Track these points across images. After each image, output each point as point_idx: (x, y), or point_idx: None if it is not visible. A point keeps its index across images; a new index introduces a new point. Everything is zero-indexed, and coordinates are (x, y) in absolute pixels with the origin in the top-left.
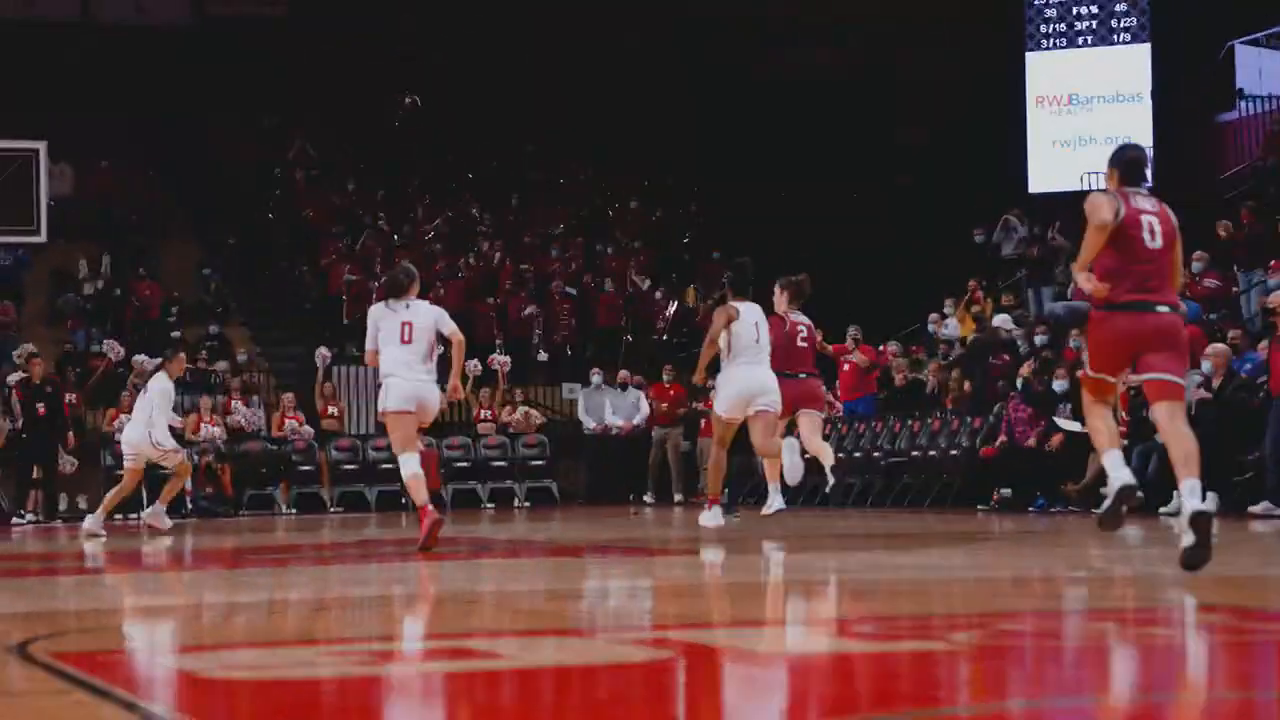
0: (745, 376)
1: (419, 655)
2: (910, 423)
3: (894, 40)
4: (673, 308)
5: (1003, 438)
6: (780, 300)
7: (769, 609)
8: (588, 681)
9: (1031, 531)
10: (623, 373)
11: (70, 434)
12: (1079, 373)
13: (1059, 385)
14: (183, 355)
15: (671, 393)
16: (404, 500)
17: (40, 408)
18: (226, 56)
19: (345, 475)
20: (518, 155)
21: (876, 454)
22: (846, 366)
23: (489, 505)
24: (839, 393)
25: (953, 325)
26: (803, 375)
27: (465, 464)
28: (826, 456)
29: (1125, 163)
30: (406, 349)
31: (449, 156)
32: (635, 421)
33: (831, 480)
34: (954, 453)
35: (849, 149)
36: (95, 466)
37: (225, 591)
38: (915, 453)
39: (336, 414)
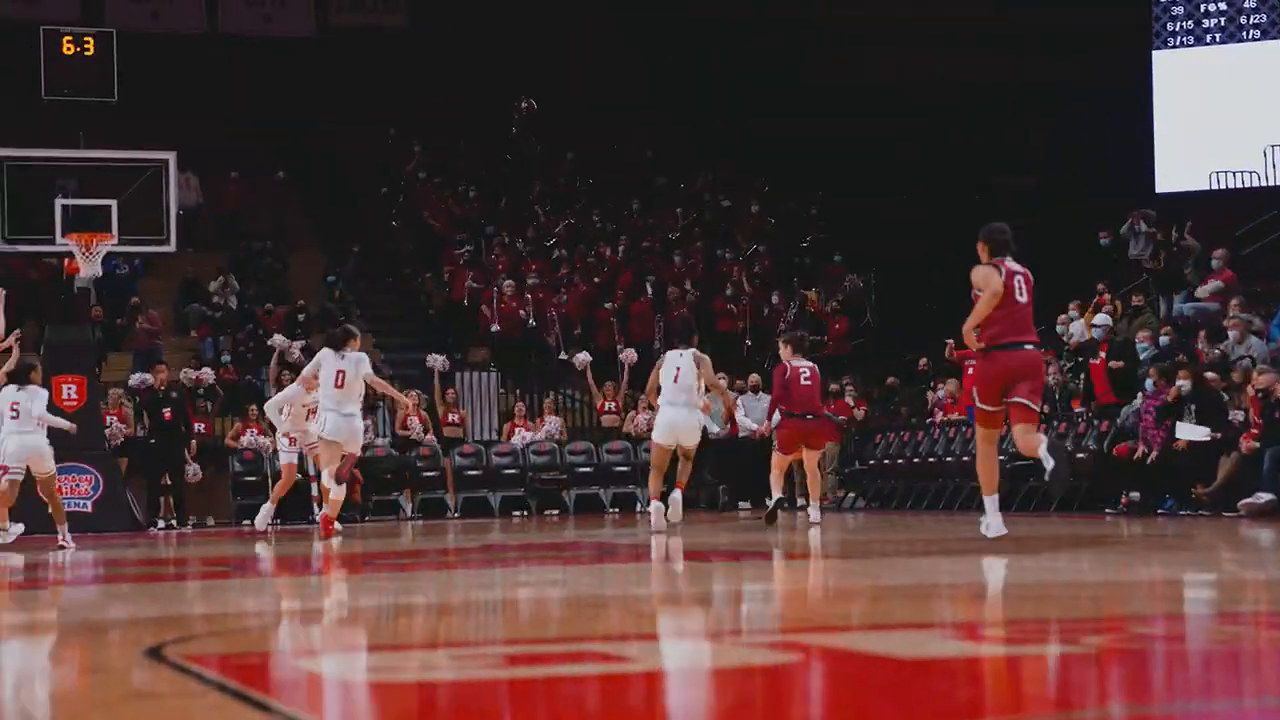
0: (665, 414)
1: (546, 659)
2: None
3: (1012, 43)
4: (793, 311)
5: (1141, 447)
6: (784, 351)
7: (895, 612)
8: (716, 685)
9: (1161, 535)
10: (754, 377)
11: (194, 441)
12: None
13: (1182, 384)
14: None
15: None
16: (524, 511)
17: (166, 413)
18: (350, 66)
19: (469, 481)
20: (638, 160)
21: (1001, 458)
22: (971, 370)
23: (612, 510)
24: (960, 396)
25: (1076, 327)
26: (809, 416)
27: (588, 469)
28: (815, 491)
29: (994, 239)
30: (339, 391)
31: (569, 160)
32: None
33: (815, 515)
34: (1081, 456)
35: (969, 153)
36: (224, 473)
37: (353, 595)
38: None
39: (458, 421)
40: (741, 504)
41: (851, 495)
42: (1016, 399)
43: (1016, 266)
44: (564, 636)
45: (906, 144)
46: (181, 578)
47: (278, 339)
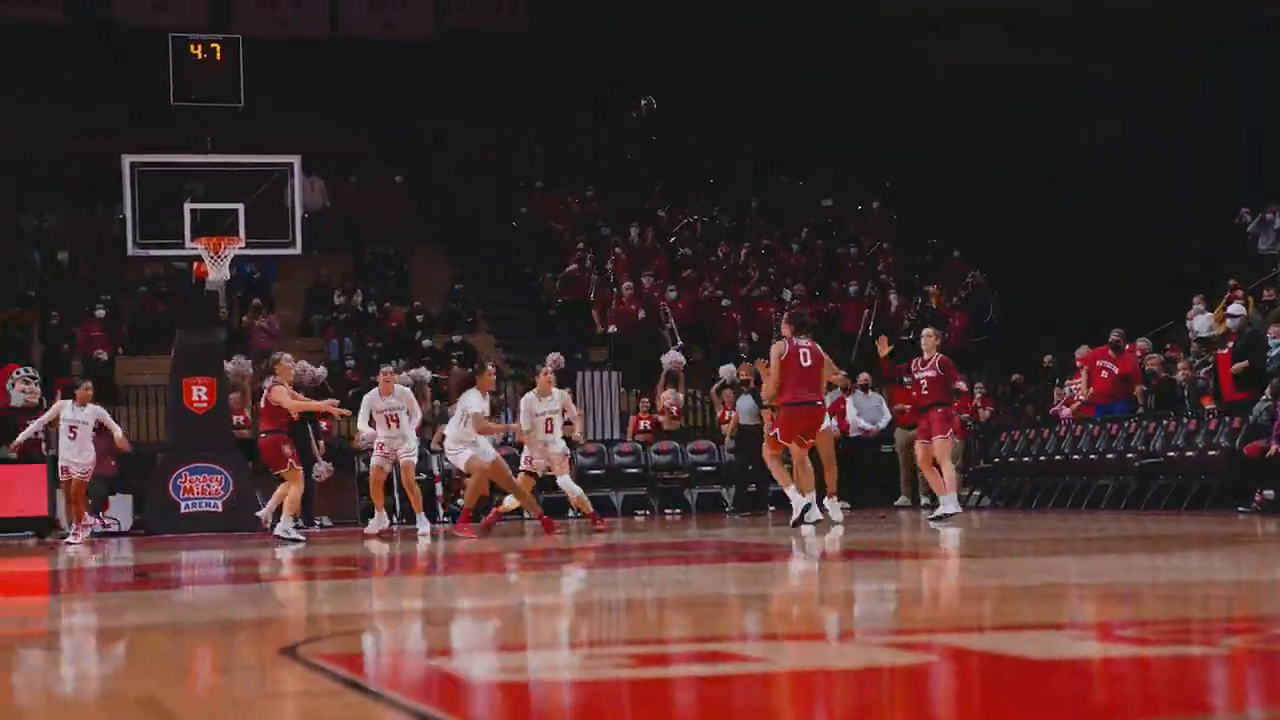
0: None
1: (673, 658)
2: (1165, 423)
3: (1142, 35)
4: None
5: (1274, 445)
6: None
7: (1026, 612)
8: (848, 685)
9: None
10: (864, 375)
11: (321, 441)
12: (770, 436)
13: None
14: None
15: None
16: (646, 510)
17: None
18: (469, 68)
19: (591, 480)
20: (758, 158)
21: (1130, 455)
22: (1104, 374)
23: (731, 509)
24: (1094, 397)
25: (1201, 322)
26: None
27: (710, 468)
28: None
29: (795, 320)
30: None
31: (704, 161)
32: (880, 425)
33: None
34: (1212, 453)
35: (1092, 145)
36: (349, 473)
37: (480, 595)
38: (1171, 453)
39: (573, 420)
40: (842, 504)
41: (977, 494)
42: (807, 442)
43: (804, 341)
44: (690, 636)
45: (1027, 139)
46: (310, 577)
47: (422, 373)
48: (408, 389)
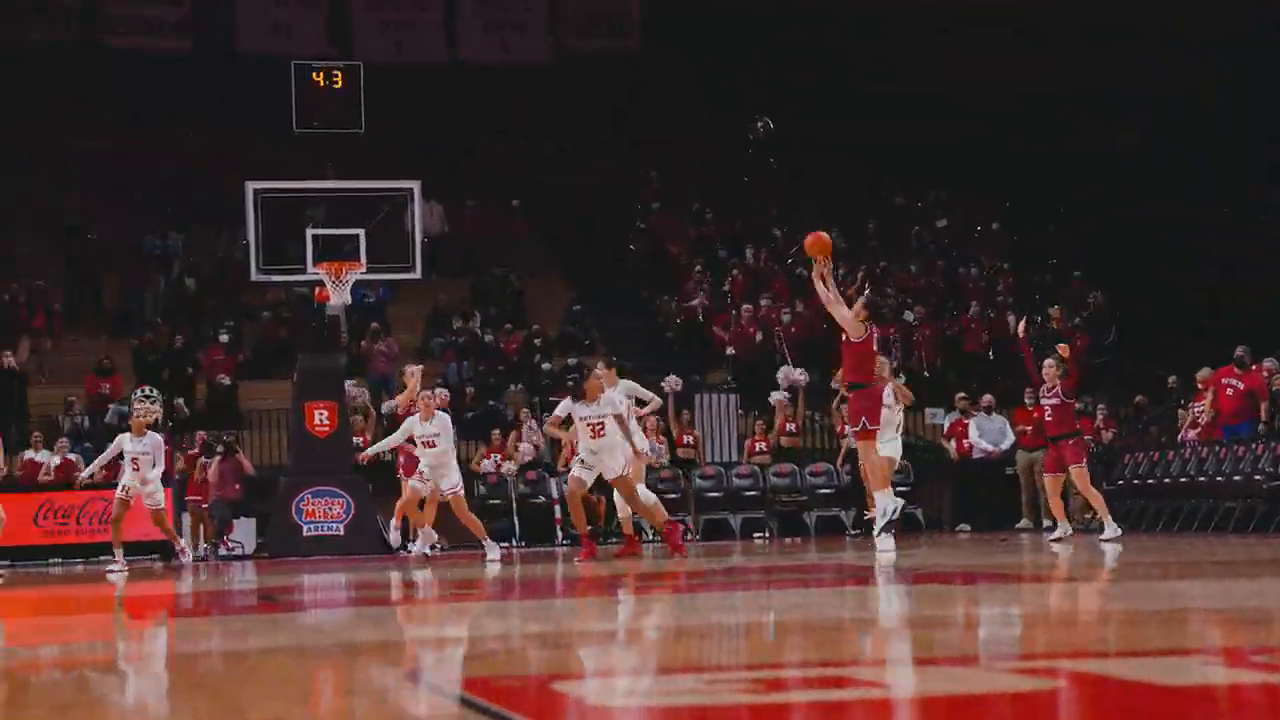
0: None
1: (793, 684)
2: None
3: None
4: (1024, 328)
5: None
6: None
7: (1154, 637)
8: (977, 711)
9: None
10: (987, 396)
11: None
12: (863, 430)
13: None
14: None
15: (1035, 415)
16: (765, 533)
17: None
18: (585, 90)
19: (709, 503)
20: (875, 179)
21: (1258, 477)
22: (1230, 391)
23: (854, 532)
24: (1219, 418)
25: None
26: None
27: (828, 491)
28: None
29: (872, 308)
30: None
31: (816, 182)
32: (1003, 447)
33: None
34: None
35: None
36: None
37: (602, 619)
38: None
39: (692, 442)
40: (961, 526)
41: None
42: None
43: (875, 330)
44: (811, 661)
45: (1144, 158)
46: (430, 600)
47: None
48: (447, 416)
